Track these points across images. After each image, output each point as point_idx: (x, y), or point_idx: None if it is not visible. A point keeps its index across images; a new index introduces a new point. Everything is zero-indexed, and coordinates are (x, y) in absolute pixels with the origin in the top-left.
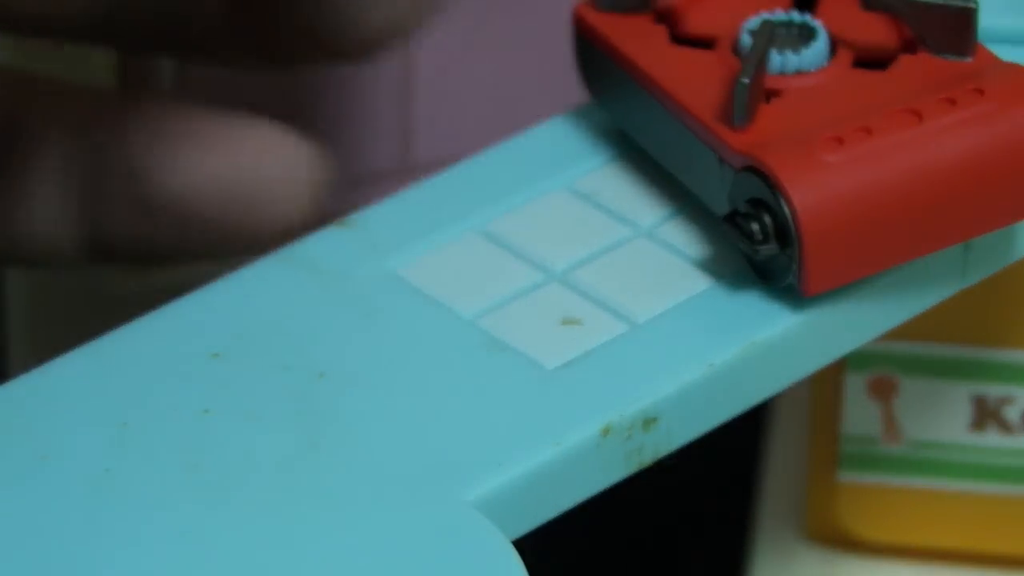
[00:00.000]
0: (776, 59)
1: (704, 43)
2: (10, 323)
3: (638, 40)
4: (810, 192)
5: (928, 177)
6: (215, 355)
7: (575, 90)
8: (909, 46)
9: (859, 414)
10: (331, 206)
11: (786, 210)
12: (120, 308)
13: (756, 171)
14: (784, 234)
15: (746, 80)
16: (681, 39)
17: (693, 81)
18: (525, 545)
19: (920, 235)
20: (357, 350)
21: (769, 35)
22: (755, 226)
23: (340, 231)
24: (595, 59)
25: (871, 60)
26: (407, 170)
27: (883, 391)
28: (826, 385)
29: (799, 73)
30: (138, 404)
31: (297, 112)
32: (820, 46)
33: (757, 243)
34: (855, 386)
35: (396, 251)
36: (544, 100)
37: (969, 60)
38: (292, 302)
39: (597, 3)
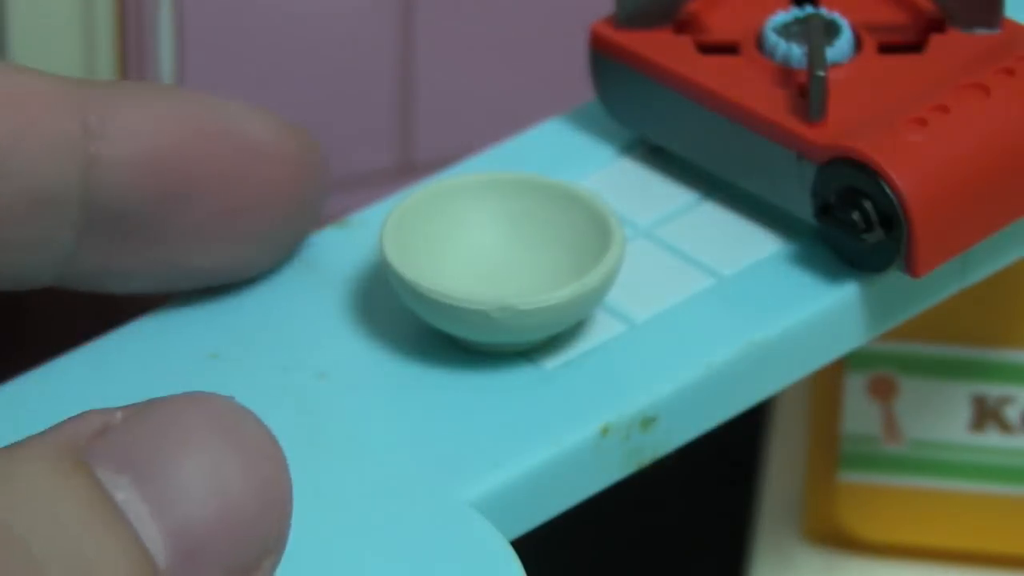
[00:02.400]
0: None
1: (729, 49)
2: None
3: (669, 53)
4: (909, 173)
5: (1009, 144)
6: (215, 355)
7: (575, 90)
8: (936, 25)
9: (859, 414)
10: (331, 206)
11: (891, 194)
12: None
13: (848, 161)
14: (889, 219)
15: (822, 73)
16: (706, 47)
17: (741, 85)
18: (524, 545)
19: (1009, 200)
20: (356, 350)
21: (822, 29)
22: (856, 215)
23: (340, 231)
24: (619, 74)
25: (897, 44)
26: (407, 170)
27: (883, 391)
28: (826, 385)
29: (833, 65)
30: None
31: (296, 114)
32: (847, 37)
33: (862, 232)
34: (855, 386)
35: None
36: (544, 100)
37: (998, 32)
38: (292, 302)
39: (618, 20)
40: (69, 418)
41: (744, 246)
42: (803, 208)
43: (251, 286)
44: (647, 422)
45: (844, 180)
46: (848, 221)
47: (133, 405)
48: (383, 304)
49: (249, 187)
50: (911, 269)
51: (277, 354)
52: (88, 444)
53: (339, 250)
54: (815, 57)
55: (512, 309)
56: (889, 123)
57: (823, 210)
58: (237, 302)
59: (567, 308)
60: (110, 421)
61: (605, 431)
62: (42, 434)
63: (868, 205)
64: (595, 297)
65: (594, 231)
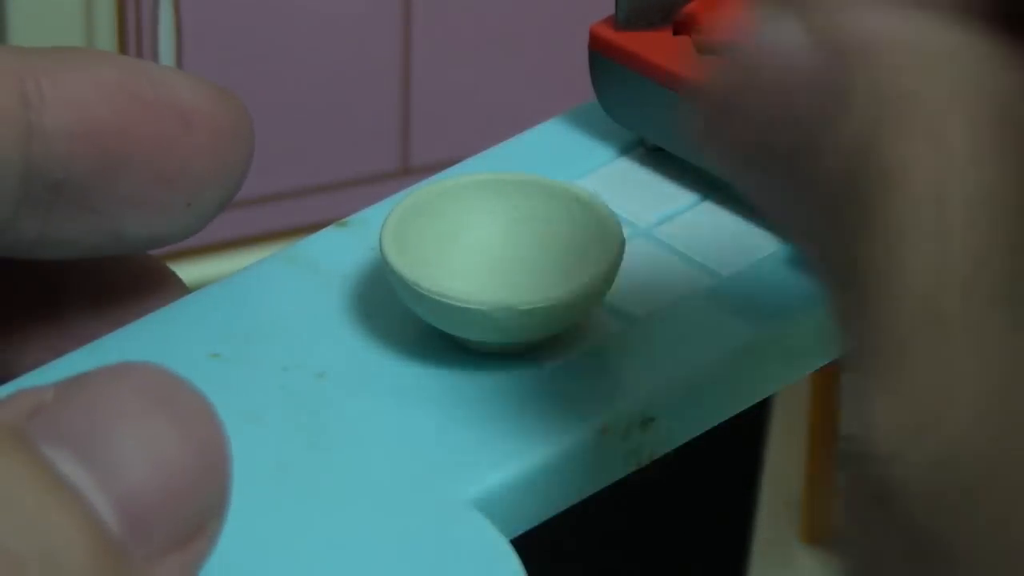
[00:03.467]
0: None
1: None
2: None
3: (670, 54)
4: None
5: None
6: (215, 355)
7: (574, 91)
8: None
9: None
10: (331, 206)
11: None
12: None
13: None
14: None
15: None
16: (705, 48)
17: None
18: (524, 544)
19: None
20: (356, 350)
21: None
22: None
23: (340, 231)
24: (618, 75)
25: None
26: (406, 171)
27: None
28: (826, 385)
29: None
30: None
31: (297, 115)
32: None
33: None
34: None
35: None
36: (544, 100)
37: None
38: (292, 302)
39: (617, 21)
40: (1, 400)
41: (744, 246)
42: None
43: (251, 286)
44: (647, 422)
45: None
46: None
47: (63, 381)
48: (383, 304)
49: (184, 155)
50: None
51: (277, 354)
52: (25, 423)
53: (339, 250)
54: None
55: (512, 309)
56: None
57: None
58: (237, 302)
59: (567, 308)
60: (43, 399)
61: (605, 431)
62: None
63: None
64: (595, 297)
65: (594, 231)
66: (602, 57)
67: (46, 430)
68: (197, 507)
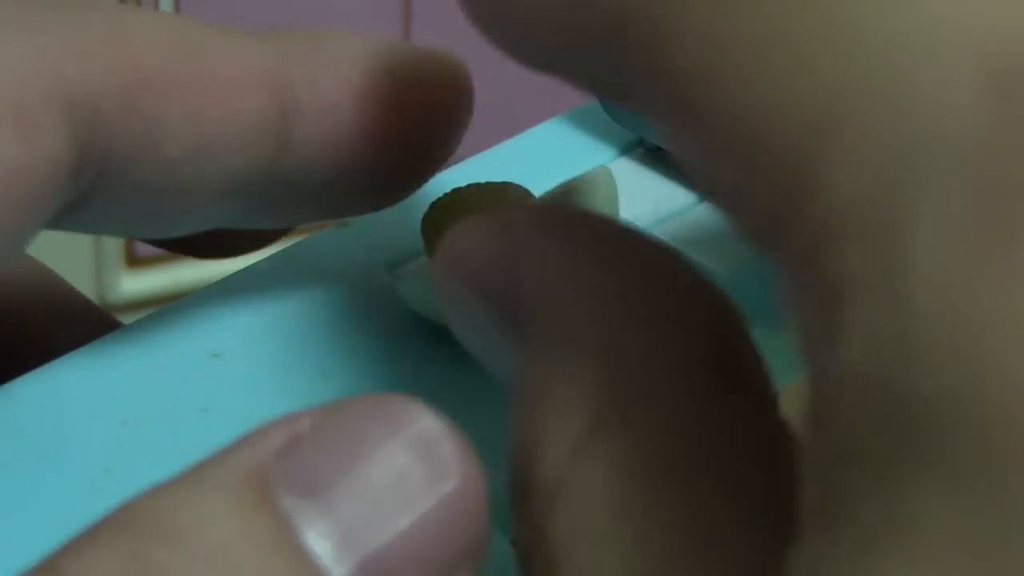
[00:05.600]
0: None
1: None
2: None
3: None
4: None
5: None
6: (216, 355)
7: (574, 91)
8: None
9: None
10: None
11: None
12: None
13: None
14: None
15: None
16: None
17: None
18: None
19: None
20: (357, 350)
21: None
22: None
23: (340, 231)
24: None
25: None
26: None
27: None
28: None
29: None
30: (138, 404)
31: None
32: None
33: None
34: None
35: (396, 251)
36: (543, 101)
37: None
38: (292, 302)
39: None
40: (256, 431)
41: (743, 246)
42: None
43: (251, 286)
44: None
45: None
46: None
47: (322, 410)
48: (383, 304)
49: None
50: None
51: (277, 354)
52: (274, 463)
53: (339, 250)
54: None
55: None
56: None
57: None
58: (238, 301)
59: None
60: (299, 429)
61: None
62: (226, 455)
63: None
64: None
65: None
66: None
67: (294, 475)
68: (445, 564)
